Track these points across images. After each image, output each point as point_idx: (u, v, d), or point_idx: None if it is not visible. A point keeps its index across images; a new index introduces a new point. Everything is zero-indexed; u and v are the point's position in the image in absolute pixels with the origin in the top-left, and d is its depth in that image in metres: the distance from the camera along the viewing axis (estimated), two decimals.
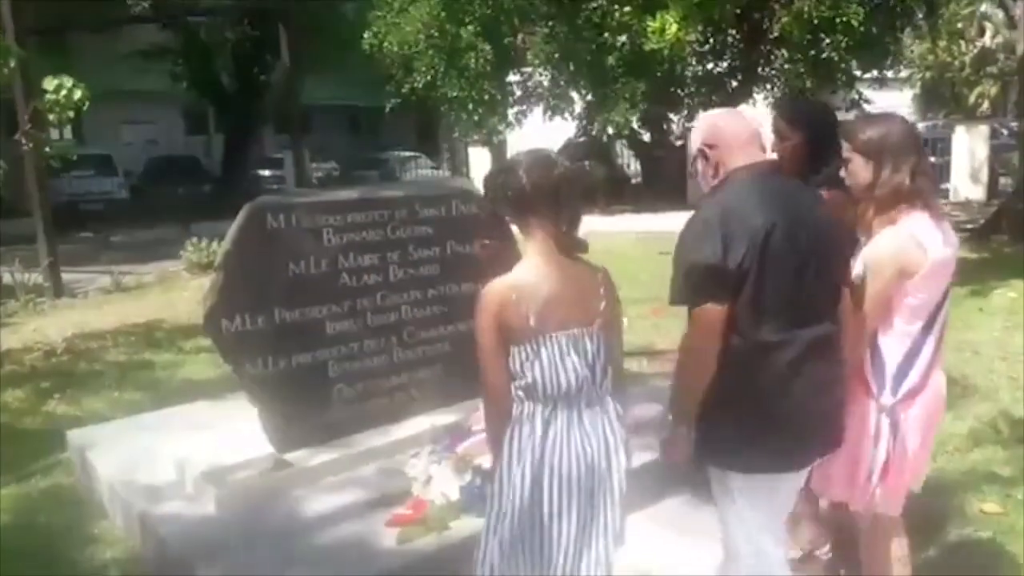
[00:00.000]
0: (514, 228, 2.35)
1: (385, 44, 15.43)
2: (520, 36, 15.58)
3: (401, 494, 3.34)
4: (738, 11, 14.09)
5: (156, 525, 3.34)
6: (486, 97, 15.08)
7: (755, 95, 17.84)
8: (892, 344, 2.50)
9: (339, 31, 19.11)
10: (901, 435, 2.51)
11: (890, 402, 2.51)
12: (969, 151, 16.75)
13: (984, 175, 17.08)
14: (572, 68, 15.61)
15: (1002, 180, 17.14)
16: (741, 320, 2.13)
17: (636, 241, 12.25)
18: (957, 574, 3.18)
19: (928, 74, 29.88)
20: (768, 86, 17.67)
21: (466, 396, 3.71)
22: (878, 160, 2.50)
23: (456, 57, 14.71)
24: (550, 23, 15.25)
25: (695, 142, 2.40)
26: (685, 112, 18.18)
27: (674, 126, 19.39)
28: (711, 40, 16.16)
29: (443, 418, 3.81)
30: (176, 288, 10.24)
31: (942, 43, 25.44)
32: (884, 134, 2.52)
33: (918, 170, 2.49)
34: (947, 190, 16.78)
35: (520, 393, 2.18)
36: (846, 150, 2.60)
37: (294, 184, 19.83)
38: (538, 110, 17.43)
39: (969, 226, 12.25)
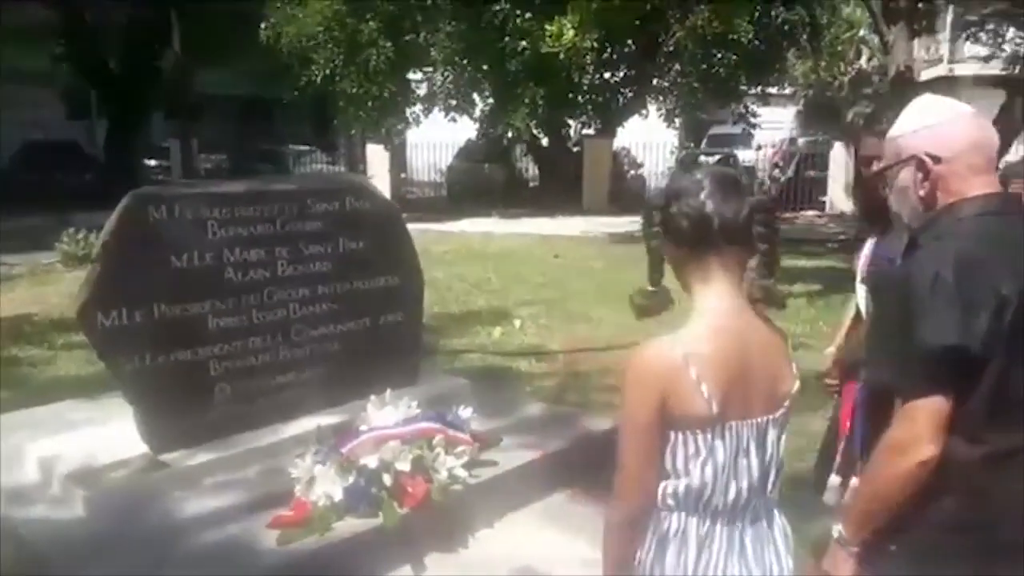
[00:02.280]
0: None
1: (283, 35, 15.08)
2: (422, 34, 15.54)
3: (284, 495, 3.27)
4: (636, 22, 14.50)
5: (17, 528, 3.16)
6: (385, 95, 14.97)
7: (649, 106, 18.41)
8: None
9: (235, 20, 18.54)
10: None
11: None
12: (845, 166, 17.73)
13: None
14: (474, 70, 15.69)
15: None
16: (973, 420, 1.60)
17: (532, 244, 12.42)
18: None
19: (810, 92, 31.42)
20: (661, 97, 18.25)
21: (354, 396, 3.67)
22: None
23: (355, 52, 14.54)
24: (453, 23, 15.28)
25: (907, 145, 1.76)
26: (583, 118, 18.58)
27: (571, 131, 19.74)
28: (609, 49, 16.55)
29: (330, 418, 3.75)
30: (49, 281, 9.70)
31: (823, 63, 26.78)
32: None
33: None
34: (824, 203, 17.72)
35: (671, 501, 1.61)
36: None
37: (181, 175, 19.15)
38: (439, 110, 17.41)
39: (842, 237, 12.99)
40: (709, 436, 1.57)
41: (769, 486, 1.66)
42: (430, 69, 16.65)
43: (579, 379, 5.73)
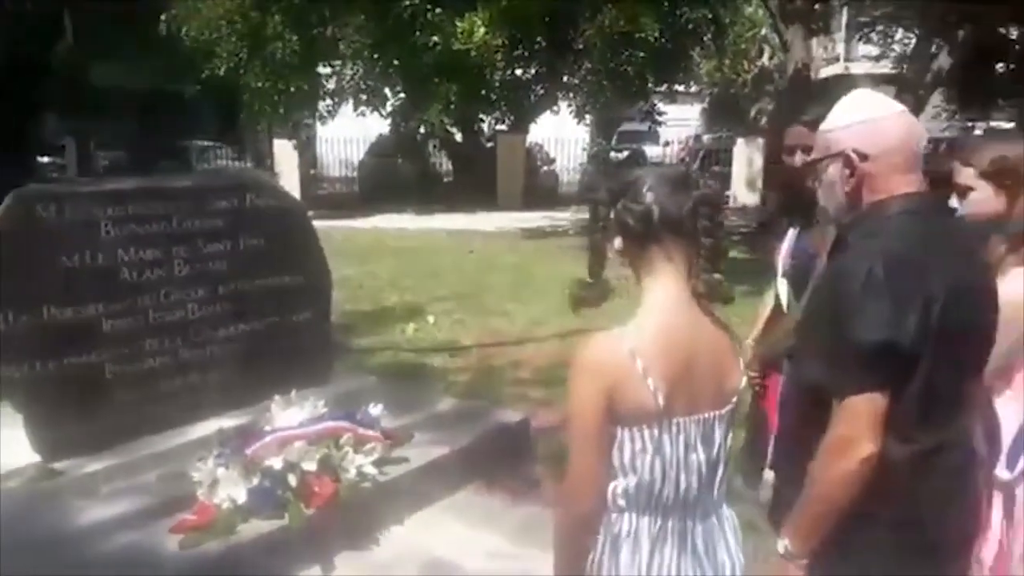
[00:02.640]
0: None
1: (184, 27, 14.60)
2: (330, 28, 15.26)
3: (186, 500, 3.18)
4: (546, 19, 14.63)
5: None
6: (292, 89, 14.64)
7: (560, 102, 18.60)
8: (1012, 409, 2.11)
9: (132, 10, 17.81)
10: (1017, 517, 2.14)
11: (1006, 477, 2.11)
12: (747, 161, 18.32)
13: (759, 183, 18.79)
14: (385, 64, 15.52)
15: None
16: (904, 419, 1.60)
17: (446, 239, 12.40)
18: None
19: (715, 90, 32.33)
20: (572, 94, 18.45)
21: (262, 398, 3.59)
22: (1013, 190, 2.10)
23: (260, 46, 14.17)
24: (362, 17, 15.07)
25: (837, 140, 1.75)
26: (496, 114, 18.62)
27: (485, 127, 19.76)
28: (520, 46, 16.63)
29: (235, 420, 3.67)
30: None
31: (727, 62, 27.60)
32: (1019, 159, 2.11)
33: None
34: (728, 197, 18.26)
35: (621, 501, 1.59)
36: (967, 176, 2.17)
37: (76, 173, 18.30)
38: (348, 105, 17.16)
39: (744, 229, 13.43)
40: (656, 431, 1.54)
41: (717, 482, 1.63)
42: (339, 63, 16.36)
43: (493, 373, 5.76)
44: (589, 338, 1.58)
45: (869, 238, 1.68)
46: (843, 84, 28.31)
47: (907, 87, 11.34)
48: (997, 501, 2.12)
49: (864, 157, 1.70)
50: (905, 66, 15.07)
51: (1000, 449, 2.10)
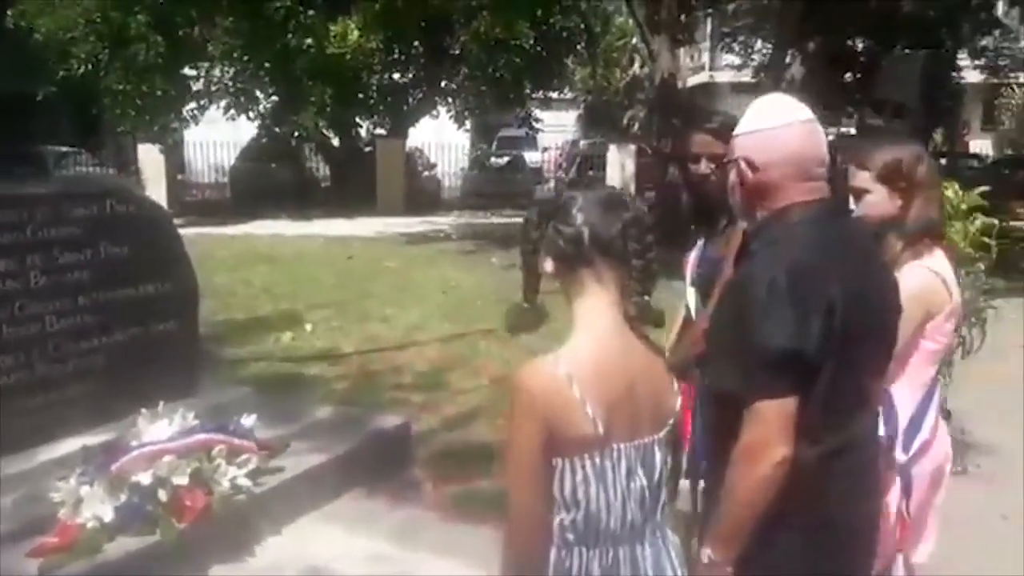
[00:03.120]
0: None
1: (37, 25, 13.75)
2: (197, 28, 14.74)
3: (47, 521, 3.04)
4: (422, 24, 14.65)
5: None
6: (157, 92, 14.04)
7: (439, 107, 18.67)
8: (905, 394, 2.21)
9: None
10: (914, 495, 2.24)
11: (903, 460, 2.20)
12: (620, 166, 18.90)
13: (632, 188, 19.43)
14: (256, 67, 15.12)
15: (648, 194, 19.63)
16: (811, 421, 1.63)
17: (324, 245, 12.19)
18: None
19: (590, 97, 33.20)
20: (451, 99, 18.56)
21: (127, 412, 3.47)
22: (908, 191, 2.21)
23: (122, 47, 13.52)
24: (231, 18, 14.64)
25: (736, 146, 1.80)
26: (374, 119, 18.48)
27: (363, 131, 19.56)
28: (397, 51, 16.58)
29: (100, 437, 3.52)
30: None
31: (600, 70, 28.39)
32: (912, 162, 2.23)
33: (939, 202, 2.28)
34: None
35: (570, 535, 1.52)
36: (863, 179, 2.26)
37: None
38: (218, 108, 16.60)
39: None
40: (597, 460, 1.49)
41: (660, 506, 1.60)
42: (207, 65, 15.81)
43: (372, 379, 5.74)
44: (523, 365, 1.51)
45: (771, 246, 1.71)
46: (709, 92, 29.69)
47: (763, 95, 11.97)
48: (896, 481, 2.20)
49: (754, 167, 1.73)
50: (762, 75, 15.99)
51: (896, 432, 2.18)
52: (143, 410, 3.34)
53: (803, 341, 1.58)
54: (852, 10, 13.50)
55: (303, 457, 3.78)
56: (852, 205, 2.28)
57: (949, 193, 3.98)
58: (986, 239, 4.13)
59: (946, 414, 4.37)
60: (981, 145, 27.29)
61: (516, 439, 1.48)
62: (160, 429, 3.26)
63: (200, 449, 3.24)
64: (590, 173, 19.42)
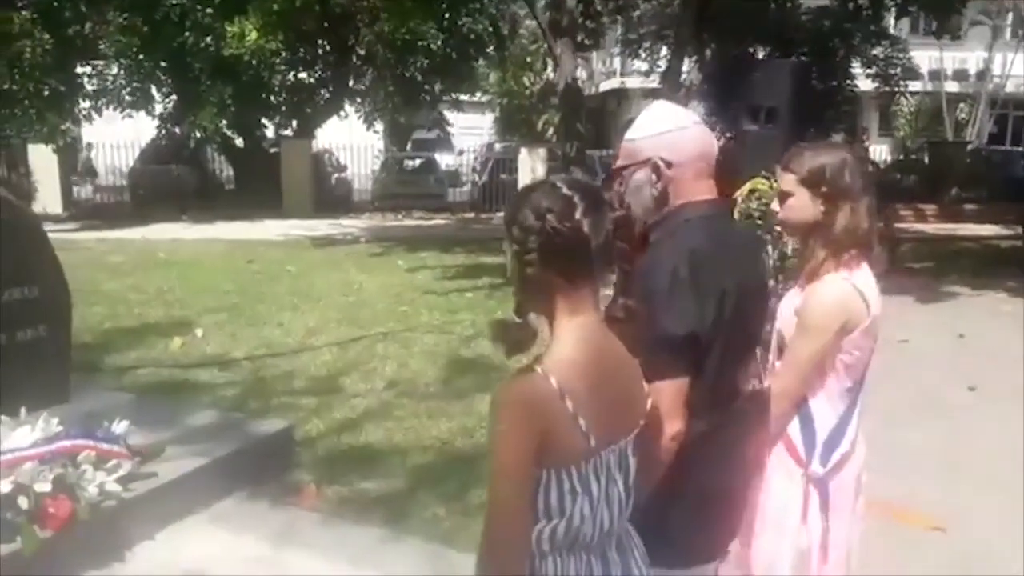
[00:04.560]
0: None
1: None
2: (88, 25, 14.21)
3: None
4: (325, 24, 14.50)
5: None
6: (46, 92, 13.45)
7: (347, 108, 18.48)
8: (824, 408, 2.20)
9: None
10: (832, 508, 2.23)
11: (820, 472, 2.19)
12: (531, 170, 19.12)
13: None
14: (152, 65, 14.67)
15: None
16: (699, 399, 1.76)
17: (226, 249, 11.93)
18: (476, 527, 3.69)
19: (504, 100, 33.42)
20: (359, 100, 18.41)
21: None
22: (832, 197, 2.16)
23: (4, 44, 12.89)
24: (124, 15, 14.16)
25: (644, 148, 1.88)
26: (279, 119, 18.16)
27: (268, 132, 19.20)
28: (302, 50, 16.36)
29: None
30: None
31: (511, 73, 28.62)
32: (838, 167, 2.16)
33: (870, 210, 2.20)
34: None
35: (546, 545, 1.47)
36: (788, 182, 2.23)
37: None
38: (114, 108, 16.04)
39: None
40: (584, 470, 1.45)
41: (629, 507, 1.58)
42: (100, 63, 15.25)
43: (263, 385, 5.68)
44: (512, 380, 1.43)
45: (671, 238, 1.80)
46: (619, 97, 30.30)
47: (663, 101, 12.31)
48: (814, 494, 2.19)
49: (669, 164, 1.84)
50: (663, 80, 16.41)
51: (814, 445, 2.18)
52: (2, 417, 3.24)
53: (699, 325, 1.71)
54: (747, 19, 14.01)
55: (180, 462, 3.73)
56: (776, 207, 2.30)
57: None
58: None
59: None
60: (880, 150, 28.69)
61: (505, 454, 1.40)
62: (21, 436, 3.18)
63: (64, 455, 3.16)
64: (502, 176, 19.51)
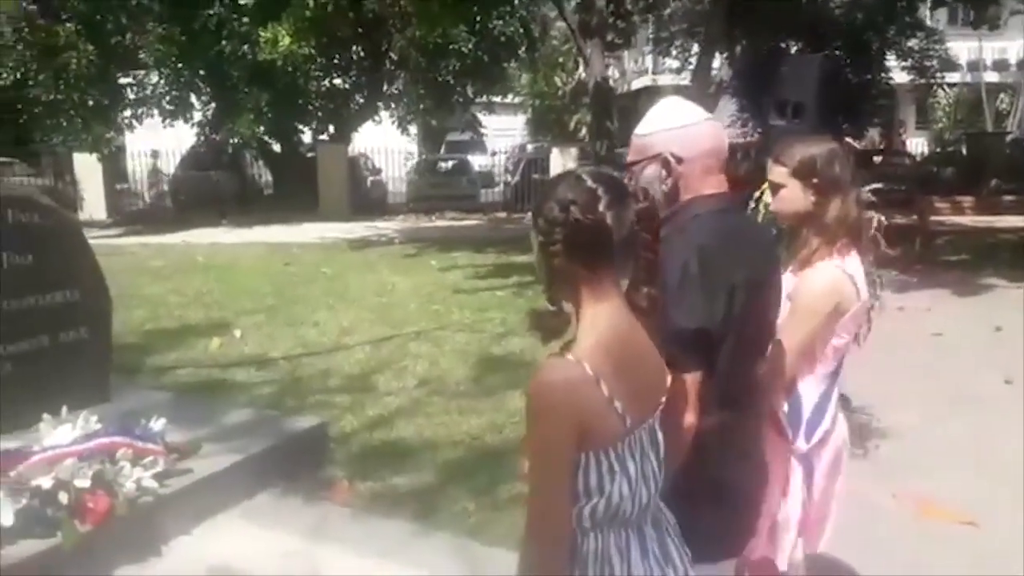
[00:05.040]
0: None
1: None
2: (129, 35, 14.56)
3: None
4: (359, 30, 14.68)
5: None
6: (90, 101, 13.83)
7: (381, 112, 18.68)
8: (811, 388, 2.30)
9: None
10: (815, 482, 2.36)
11: (804, 448, 2.30)
12: (563, 169, 19.13)
13: None
14: (191, 74, 14.99)
15: None
16: (712, 393, 1.79)
17: (263, 252, 12.15)
18: (504, 521, 3.73)
19: (537, 101, 33.44)
20: (393, 104, 18.60)
21: (33, 421, 3.49)
22: (822, 189, 2.26)
23: (51, 56, 13.29)
24: (164, 25, 14.48)
25: (654, 143, 1.90)
26: (315, 124, 18.42)
27: (305, 137, 19.48)
28: (336, 56, 16.57)
29: (4, 445, 3.52)
30: None
31: (542, 74, 28.61)
32: (828, 159, 2.26)
33: (859, 201, 2.32)
34: None
35: (587, 523, 1.51)
36: (779, 174, 2.31)
37: None
38: (155, 116, 16.41)
39: None
40: (621, 449, 1.50)
41: (661, 482, 1.62)
42: (141, 73, 15.62)
43: (299, 383, 5.80)
44: (547, 369, 1.46)
45: (681, 233, 1.79)
46: (651, 95, 30.13)
47: (694, 97, 12.32)
48: (798, 469, 2.29)
49: (680, 160, 1.85)
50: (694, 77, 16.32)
51: (800, 422, 2.27)
52: (44, 416, 3.37)
53: (709, 321, 1.72)
54: (779, 14, 13.88)
55: (216, 458, 3.83)
56: (769, 199, 2.38)
57: None
58: (876, 232, 4.34)
59: (844, 399, 4.64)
60: (917, 143, 28.18)
61: (546, 441, 1.44)
62: (62, 434, 3.30)
63: (102, 452, 3.28)
64: (534, 176, 19.56)
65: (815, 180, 2.26)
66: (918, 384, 5.76)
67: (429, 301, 8.46)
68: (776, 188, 2.32)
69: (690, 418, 1.75)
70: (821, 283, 2.22)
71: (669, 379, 1.64)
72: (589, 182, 1.51)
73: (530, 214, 1.58)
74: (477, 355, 6.41)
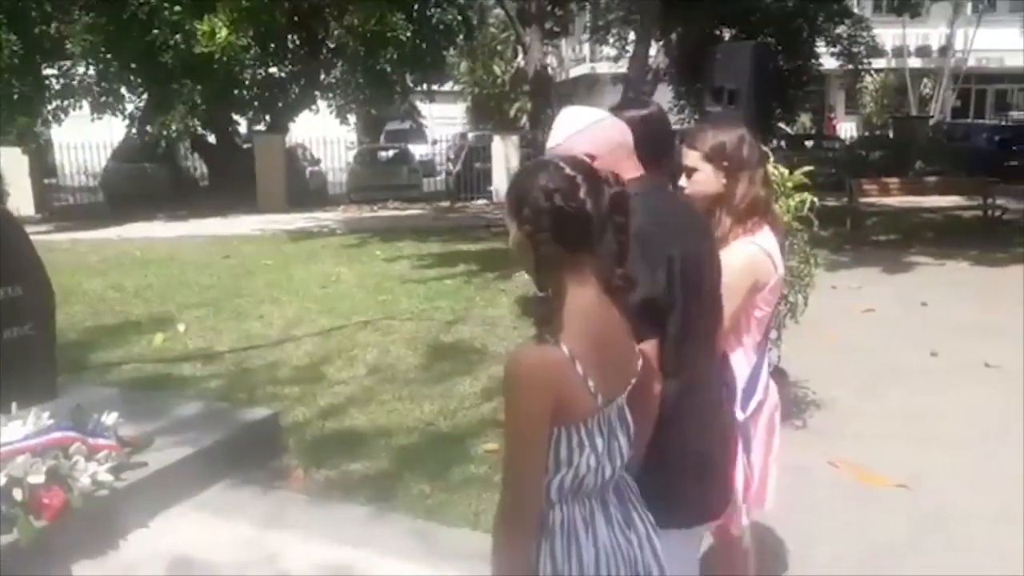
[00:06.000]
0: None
1: None
2: (55, 25, 14.07)
3: None
4: (295, 18, 14.46)
5: None
6: (15, 94, 13.33)
7: (319, 102, 18.43)
8: (741, 360, 2.42)
9: None
10: (753, 449, 2.48)
11: (740, 418, 2.40)
12: (505, 157, 19.21)
13: None
14: (120, 65, 14.55)
15: None
16: (669, 358, 1.89)
17: (202, 246, 11.92)
18: (460, 502, 3.82)
19: (476, 89, 33.44)
20: (331, 94, 18.36)
21: None
22: (732, 170, 2.39)
23: None
24: (91, 14, 14.03)
25: (569, 148, 1.98)
26: (251, 115, 18.08)
27: (241, 129, 19.12)
28: (271, 45, 16.28)
29: None
30: None
31: (481, 62, 28.61)
32: (736, 143, 2.40)
33: (765, 180, 2.45)
34: (491, 192, 19.05)
35: (554, 495, 1.61)
36: (692, 159, 2.43)
37: None
38: (83, 108, 15.91)
39: (503, 222, 14.12)
40: (591, 426, 1.59)
41: (627, 458, 1.70)
42: (68, 63, 15.11)
43: (247, 376, 5.76)
44: (526, 349, 1.55)
45: None
46: (590, 82, 30.40)
47: (631, 85, 12.55)
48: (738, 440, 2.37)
49: (593, 157, 1.90)
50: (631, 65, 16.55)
51: (735, 394, 2.37)
52: None
53: (653, 291, 1.82)
54: (713, 2, 14.17)
55: (170, 451, 3.83)
56: (684, 182, 2.46)
57: (775, 174, 4.38)
58: (809, 213, 4.53)
59: (781, 373, 4.84)
60: (847, 128, 29.04)
61: (523, 417, 1.52)
62: (13, 430, 3.26)
63: (55, 447, 3.26)
64: (476, 165, 19.58)
65: (725, 163, 2.38)
66: (851, 358, 6.03)
67: (376, 291, 8.46)
68: (690, 172, 2.43)
69: (656, 387, 1.85)
70: (738, 261, 2.32)
71: (640, 360, 1.72)
72: (568, 170, 1.57)
73: (506, 203, 1.64)
74: (427, 343, 6.47)
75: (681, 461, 1.94)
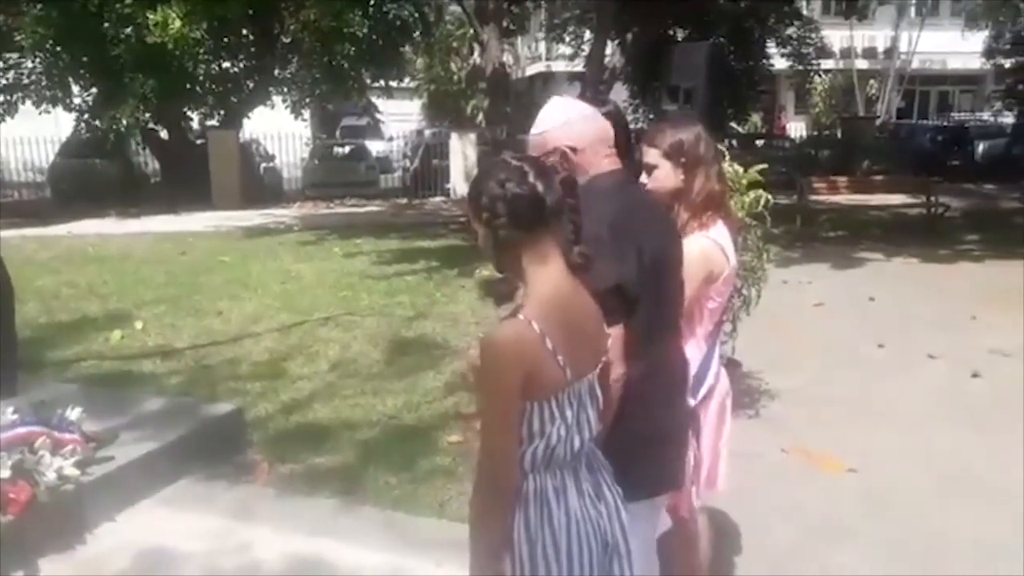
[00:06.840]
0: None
1: None
2: (3, 18, 13.71)
3: None
4: (250, 12, 14.28)
5: None
6: None
7: (274, 97, 18.22)
8: (693, 349, 2.49)
9: None
10: (705, 434, 2.58)
11: (692, 404, 2.49)
12: (462, 154, 19.25)
13: (473, 174, 19.68)
14: (70, 58, 14.22)
15: None
16: (638, 342, 1.99)
17: (155, 242, 11.75)
18: (426, 493, 3.89)
19: (433, 86, 33.31)
20: (286, 89, 18.17)
21: None
22: (690, 167, 2.50)
23: None
24: (40, 6, 13.69)
25: (551, 139, 2.13)
26: (204, 110, 17.80)
27: (194, 124, 18.80)
28: (226, 39, 16.06)
29: None
30: None
31: (438, 59, 28.54)
32: (694, 140, 2.51)
33: (720, 176, 2.57)
34: (448, 189, 19.08)
35: (527, 466, 1.71)
36: (652, 156, 2.53)
37: None
38: (30, 102, 15.52)
39: (462, 219, 14.17)
40: (561, 399, 1.68)
41: (596, 432, 1.81)
42: (16, 56, 14.72)
43: (208, 372, 5.73)
44: (498, 328, 1.68)
45: (589, 207, 1.93)
46: (546, 81, 30.56)
47: (588, 84, 12.70)
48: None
49: (575, 150, 2.10)
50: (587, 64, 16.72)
51: (687, 382, 2.44)
52: None
53: (623, 279, 1.93)
54: (667, 2, 14.38)
55: (136, 445, 3.83)
56: (644, 179, 2.55)
57: (731, 171, 4.53)
58: (764, 210, 4.68)
59: (735, 364, 4.99)
60: (796, 127, 29.67)
61: (497, 393, 1.64)
62: None
63: (20, 442, 3.25)
64: (434, 162, 19.55)
65: (683, 159, 2.50)
66: (802, 350, 6.24)
67: (336, 287, 8.45)
68: (650, 169, 2.53)
69: (620, 367, 1.95)
70: (695, 252, 2.41)
71: (609, 338, 1.85)
72: (515, 162, 1.74)
73: (468, 200, 1.78)
74: (389, 339, 6.50)
75: (644, 437, 2.05)
